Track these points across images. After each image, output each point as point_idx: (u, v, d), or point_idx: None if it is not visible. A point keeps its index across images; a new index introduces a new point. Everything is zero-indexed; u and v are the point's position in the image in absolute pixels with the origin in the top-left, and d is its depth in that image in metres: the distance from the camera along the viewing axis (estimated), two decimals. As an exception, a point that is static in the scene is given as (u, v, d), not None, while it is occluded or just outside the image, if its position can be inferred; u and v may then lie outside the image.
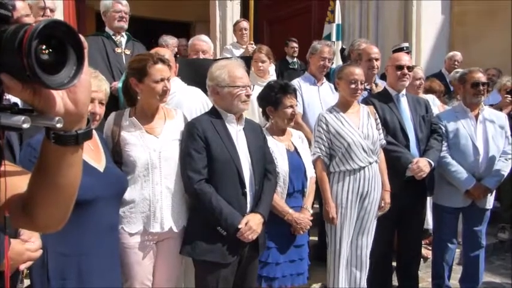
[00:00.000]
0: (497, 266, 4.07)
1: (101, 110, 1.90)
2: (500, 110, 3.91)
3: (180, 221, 2.15)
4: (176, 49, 5.12)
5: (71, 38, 0.69)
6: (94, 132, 2.01)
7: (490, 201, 3.18)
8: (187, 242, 2.13)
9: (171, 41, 5.08)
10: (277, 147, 2.47)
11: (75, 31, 0.69)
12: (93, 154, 1.91)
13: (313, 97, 3.54)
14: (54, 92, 0.70)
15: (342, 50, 5.28)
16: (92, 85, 1.84)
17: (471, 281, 3.28)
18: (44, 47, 0.66)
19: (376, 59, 3.59)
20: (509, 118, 3.46)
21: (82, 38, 0.69)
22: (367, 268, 2.83)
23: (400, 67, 3.04)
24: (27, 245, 1.36)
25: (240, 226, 2.08)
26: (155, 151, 2.08)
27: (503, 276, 3.83)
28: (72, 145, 0.75)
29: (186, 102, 2.58)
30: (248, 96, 2.22)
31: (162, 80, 2.08)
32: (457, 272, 3.42)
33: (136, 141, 2.08)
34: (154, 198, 2.06)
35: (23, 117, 0.67)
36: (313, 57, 3.64)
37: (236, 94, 2.19)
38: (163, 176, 2.08)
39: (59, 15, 4.49)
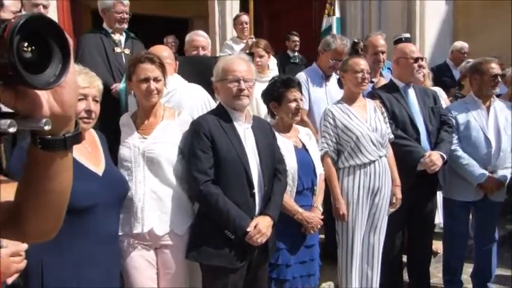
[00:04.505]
0: (506, 259, 3.99)
1: (95, 107, 1.79)
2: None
3: (171, 226, 2.02)
4: None
5: (54, 34, 0.63)
6: (93, 132, 1.91)
7: (503, 194, 3.10)
8: (193, 246, 2.03)
9: None
10: (285, 144, 2.39)
11: (59, 26, 0.63)
12: (91, 156, 1.80)
13: (320, 92, 3.42)
14: (39, 93, 0.64)
15: (354, 44, 5.20)
16: (84, 81, 1.75)
17: (483, 275, 3.21)
18: (26, 44, 0.60)
19: (383, 52, 3.50)
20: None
21: (66, 33, 0.64)
22: (379, 266, 2.75)
23: (417, 59, 2.96)
24: (12, 258, 1.30)
25: (248, 229, 1.98)
26: (139, 150, 2.03)
27: (514, 269, 3.75)
28: (61, 150, 0.70)
29: (187, 99, 2.50)
30: (240, 90, 2.07)
31: (147, 79, 2.01)
32: (468, 266, 3.33)
33: (126, 140, 2.08)
34: (137, 197, 1.99)
35: (8, 121, 0.61)
36: (325, 53, 3.43)
37: (226, 88, 2.09)
38: (146, 176, 2.01)
39: (52, 13, 4.38)
